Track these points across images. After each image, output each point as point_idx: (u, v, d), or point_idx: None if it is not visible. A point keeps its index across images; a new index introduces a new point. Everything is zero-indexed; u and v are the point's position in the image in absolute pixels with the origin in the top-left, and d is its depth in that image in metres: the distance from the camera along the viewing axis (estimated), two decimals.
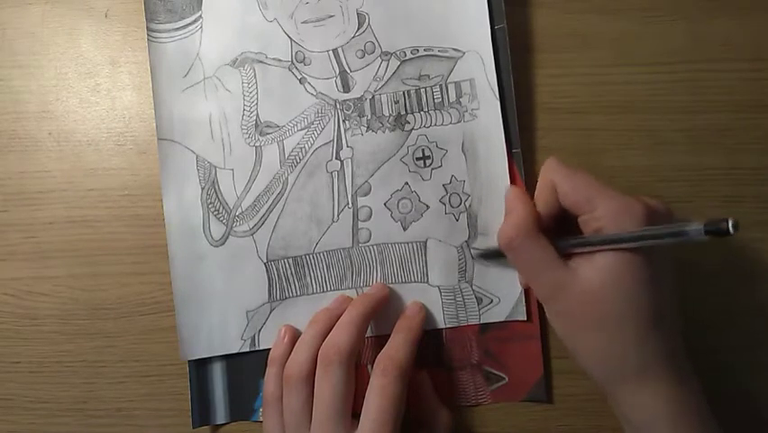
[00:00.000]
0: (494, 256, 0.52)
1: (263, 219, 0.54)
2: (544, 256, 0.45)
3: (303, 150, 0.54)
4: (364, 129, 0.54)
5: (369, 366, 0.52)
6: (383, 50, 0.55)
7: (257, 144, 0.55)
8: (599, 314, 0.43)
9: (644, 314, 0.43)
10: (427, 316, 0.53)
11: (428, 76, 0.54)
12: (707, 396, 0.45)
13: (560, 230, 0.47)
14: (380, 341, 0.52)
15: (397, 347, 0.50)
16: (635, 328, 0.43)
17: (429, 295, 0.54)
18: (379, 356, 0.49)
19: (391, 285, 0.54)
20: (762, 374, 0.54)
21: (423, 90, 0.54)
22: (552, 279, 0.45)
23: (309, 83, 0.55)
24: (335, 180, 0.54)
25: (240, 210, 0.54)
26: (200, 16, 0.55)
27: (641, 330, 0.43)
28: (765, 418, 0.53)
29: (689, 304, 0.53)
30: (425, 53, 0.54)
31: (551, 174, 0.47)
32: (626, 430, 0.46)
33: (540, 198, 0.48)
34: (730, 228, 0.36)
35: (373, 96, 0.54)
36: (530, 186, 0.52)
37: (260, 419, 0.53)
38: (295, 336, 0.53)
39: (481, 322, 0.53)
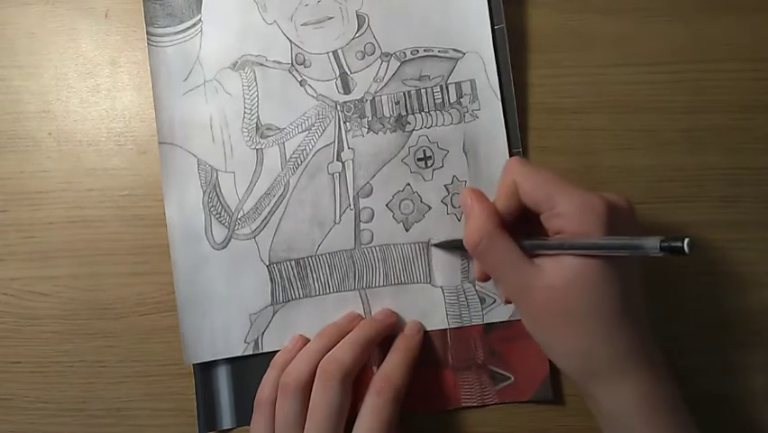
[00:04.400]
0: (454, 247, 0.53)
1: (265, 222, 0.54)
2: (509, 257, 0.45)
3: (304, 152, 0.54)
4: (365, 130, 0.54)
5: (375, 367, 0.52)
6: (383, 51, 0.54)
7: (258, 147, 0.54)
8: (565, 311, 0.43)
9: (610, 310, 0.43)
10: (431, 317, 0.54)
11: (428, 76, 0.54)
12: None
13: (524, 227, 0.47)
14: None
15: (394, 368, 0.50)
16: (602, 324, 0.43)
17: (432, 296, 0.54)
18: (375, 375, 0.50)
19: (394, 286, 0.54)
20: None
21: (423, 91, 0.54)
22: (518, 278, 0.45)
23: (310, 85, 0.55)
24: (337, 182, 0.54)
25: (242, 213, 0.54)
26: (200, 20, 0.55)
27: (608, 326, 0.43)
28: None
29: (684, 306, 0.54)
30: (425, 54, 0.54)
31: (512, 173, 0.47)
32: (601, 424, 0.46)
33: (501, 198, 0.48)
34: (685, 248, 0.37)
35: (374, 98, 0.54)
36: None
37: None
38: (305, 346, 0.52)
39: (485, 322, 0.54)
